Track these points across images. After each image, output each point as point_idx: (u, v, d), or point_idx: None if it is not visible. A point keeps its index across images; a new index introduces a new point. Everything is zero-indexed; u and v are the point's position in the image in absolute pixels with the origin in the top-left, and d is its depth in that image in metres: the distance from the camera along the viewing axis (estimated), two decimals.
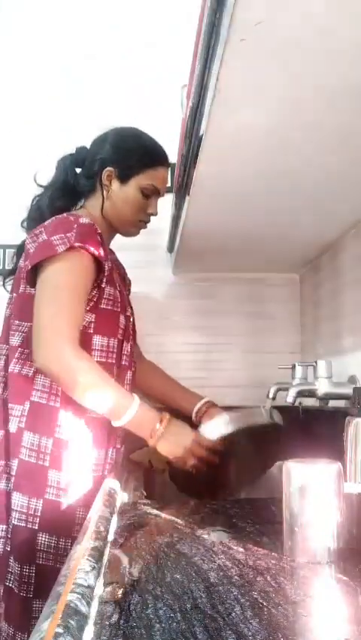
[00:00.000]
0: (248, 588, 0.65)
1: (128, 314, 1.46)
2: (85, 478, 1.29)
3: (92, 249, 1.28)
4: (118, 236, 1.52)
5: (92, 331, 1.33)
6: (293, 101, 0.83)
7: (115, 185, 1.43)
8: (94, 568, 0.62)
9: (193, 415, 1.59)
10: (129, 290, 1.64)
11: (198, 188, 1.16)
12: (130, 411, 1.23)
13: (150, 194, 1.43)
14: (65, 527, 1.24)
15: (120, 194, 1.42)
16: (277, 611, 0.58)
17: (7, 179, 1.90)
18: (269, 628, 0.54)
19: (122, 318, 1.40)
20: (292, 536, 0.78)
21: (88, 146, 1.50)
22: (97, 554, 0.67)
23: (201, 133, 0.93)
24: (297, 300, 1.97)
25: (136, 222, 1.47)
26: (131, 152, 1.43)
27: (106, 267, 1.34)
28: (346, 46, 0.69)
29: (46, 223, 1.36)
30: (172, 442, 1.26)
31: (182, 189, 1.26)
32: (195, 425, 1.41)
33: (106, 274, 1.35)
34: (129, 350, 1.43)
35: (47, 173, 1.50)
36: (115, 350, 1.36)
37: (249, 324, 1.81)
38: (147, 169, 1.42)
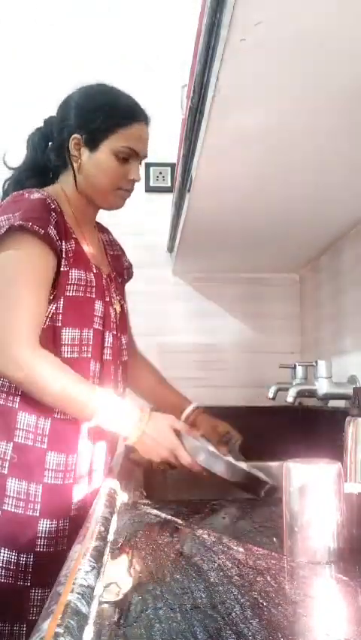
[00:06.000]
0: (248, 588, 0.65)
1: (107, 299, 1.26)
2: (51, 486, 1.14)
3: (36, 227, 1.11)
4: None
5: (59, 324, 1.16)
6: (293, 101, 0.83)
7: (85, 154, 1.23)
8: (94, 568, 0.62)
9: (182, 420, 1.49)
10: (128, 275, 1.47)
11: (198, 188, 1.16)
12: (101, 408, 1.13)
13: (127, 157, 1.23)
14: (25, 543, 1.12)
15: (91, 163, 1.23)
16: (277, 611, 0.58)
17: None
18: (269, 628, 0.54)
19: (98, 306, 1.22)
20: (292, 536, 0.78)
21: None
22: (97, 554, 0.67)
23: (201, 133, 0.93)
24: (297, 300, 1.97)
25: (114, 192, 1.26)
26: (96, 112, 1.23)
27: (64, 247, 1.17)
28: (346, 46, 0.69)
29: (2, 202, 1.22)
30: (150, 445, 1.17)
31: (182, 189, 1.26)
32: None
33: (70, 255, 1.18)
34: (113, 342, 1.25)
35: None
36: (90, 343, 1.20)
37: (249, 324, 1.81)
38: (118, 129, 1.22)
